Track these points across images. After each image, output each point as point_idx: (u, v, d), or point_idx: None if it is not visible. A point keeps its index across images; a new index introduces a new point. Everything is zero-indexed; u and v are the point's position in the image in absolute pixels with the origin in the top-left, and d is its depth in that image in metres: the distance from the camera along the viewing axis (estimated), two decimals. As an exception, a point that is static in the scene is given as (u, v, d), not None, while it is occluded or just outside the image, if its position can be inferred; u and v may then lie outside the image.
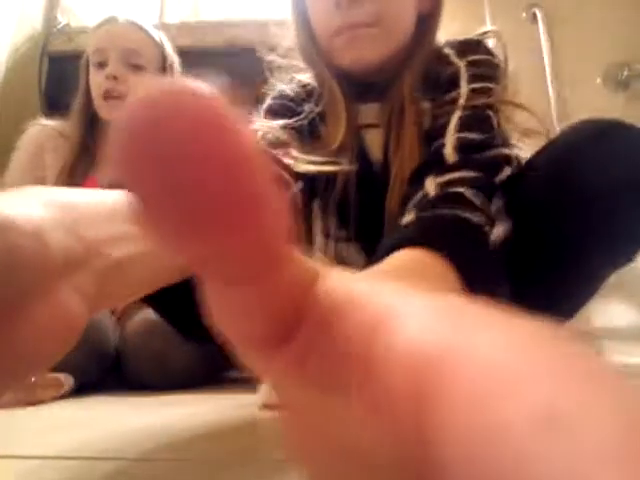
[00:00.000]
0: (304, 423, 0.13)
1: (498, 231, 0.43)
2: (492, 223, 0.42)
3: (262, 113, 0.62)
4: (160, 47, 0.98)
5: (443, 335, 0.09)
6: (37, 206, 0.25)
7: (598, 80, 1.65)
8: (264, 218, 0.10)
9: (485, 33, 0.60)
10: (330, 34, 0.56)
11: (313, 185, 0.55)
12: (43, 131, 0.96)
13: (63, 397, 0.59)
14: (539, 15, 1.67)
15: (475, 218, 0.40)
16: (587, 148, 0.45)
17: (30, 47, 1.28)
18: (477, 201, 0.42)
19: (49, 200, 0.26)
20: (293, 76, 0.64)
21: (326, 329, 0.11)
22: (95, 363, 0.67)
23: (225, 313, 0.12)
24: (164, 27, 1.31)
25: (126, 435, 0.40)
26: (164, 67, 0.98)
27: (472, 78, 0.52)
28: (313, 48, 0.59)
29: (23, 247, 0.21)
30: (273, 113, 0.60)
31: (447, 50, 0.57)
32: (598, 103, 1.58)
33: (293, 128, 0.56)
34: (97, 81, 0.92)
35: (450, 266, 0.35)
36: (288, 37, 0.63)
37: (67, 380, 0.60)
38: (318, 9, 0.57)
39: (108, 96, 0.90)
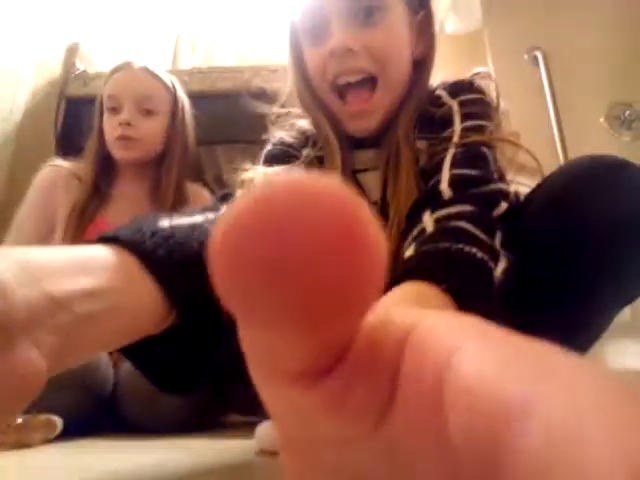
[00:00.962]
0: (327, 462, 0.12)
1: (501, 266, 0.43)
2: (496, 257, 0.42)
3: (261, 159, 0.63)
4: (172, 91, 1.02)
5: (519, 378, 0.09)
6: (8, 264, 0.25)
7: (601, 120, 1.67)
8: (370, 302, 0.10)
9: (477, 73, 0.61)
10: (328, 85, 0.57)
11: None
12: (56, 171, 0.98)
13: (54, 439, 0.58)
14: (540, 57, 1.72)
15: (479, 253, 0.40)
16: (587, 188, 0.45)
17: (48, 91, 1.33)
18: (480, 234, 0.42)
19: (21, 258, 0.27)
20: (293, 122, 0.65)
21: (371, 363, 0.11)
22: (90, 405, 0.66)
23: (262, 349, 0.11)
24: (177, 73, 1.36)
25: (116, 478, 0.39)
26: (175, 110, 1.01)
27: (465, 117, 0.53)
28: (310, 96, 0.60)
29: None
30: (272, 159, 0.62)
31: (440, 91, 0.58)
32: (602, 142, 1.59)
33: None
34: (111, 125, 0.95)
35: (450, 300, 0.35)
36: (288, 83, 0.65)
37: (59, 422, 0.59)
38: (314, 57, 0.58)
39: (121, 138, 0.94)
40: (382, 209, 0.55)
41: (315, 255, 0.09)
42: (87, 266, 0.30)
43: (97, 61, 1.47)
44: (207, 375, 0.42)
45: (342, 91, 0.56)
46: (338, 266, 0.09)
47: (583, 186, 0.46)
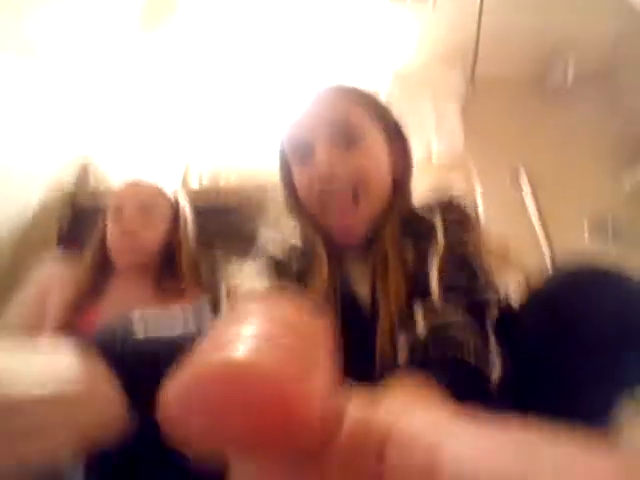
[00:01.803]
0: None
1: (496, 372, 0.44)
2: (489, 364, 0.44)
3: (253, 268, 0.64)
4: (170, 198, 1.08)
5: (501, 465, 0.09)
6: None
7: (586, 234, 1.73)
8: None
9: (453, 194, 0.65)
10: (316, 203, 0.61)
11: None
12: (54, 266, 1.02)
13: None
14: (523, 176, 1.82)
15: (472, 360, 0.42)
16: (578, 299, 0.47)
17: (56, 204, 1.39)
18: (471, 345, 0.43)
19: None
20: (284, 239, 0.67)
21: (355, 458, 0.11)
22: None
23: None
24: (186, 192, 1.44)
25: None
26: (176, 214, 1.07)
27: (447, 231, 0.57)
28: (299, 210, 0.64)
29: None
30: (261, 272, 0.63)
31: (419, 211, 0.62)
32: (590, 254, 1.62)
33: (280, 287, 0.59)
34: (114, 233, 1.00)
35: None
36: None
37: None
38: (301, 176, 0.62)
39: (122, 244, 0.98)
40: (371, 312, 0.56)
41: (248, 423, 0.11)
42: (50, 372, 0.31)
43: (110, 177, 1.55)
44: None
45: (328, 202, 0.60)
46: (269, 425, 0.11)
47: (575, 296, 0.48)
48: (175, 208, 1.08)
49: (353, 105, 0.62)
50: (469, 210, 0.62)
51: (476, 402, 0.35)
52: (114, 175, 1.57)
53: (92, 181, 1.48)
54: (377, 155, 0.62)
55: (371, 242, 0.60)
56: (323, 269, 0.59)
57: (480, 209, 1.83)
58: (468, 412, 0.23)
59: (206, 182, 1.73)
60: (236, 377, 0.11)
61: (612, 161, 1.84)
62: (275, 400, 0.11)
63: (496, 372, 0.44)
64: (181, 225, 1.07)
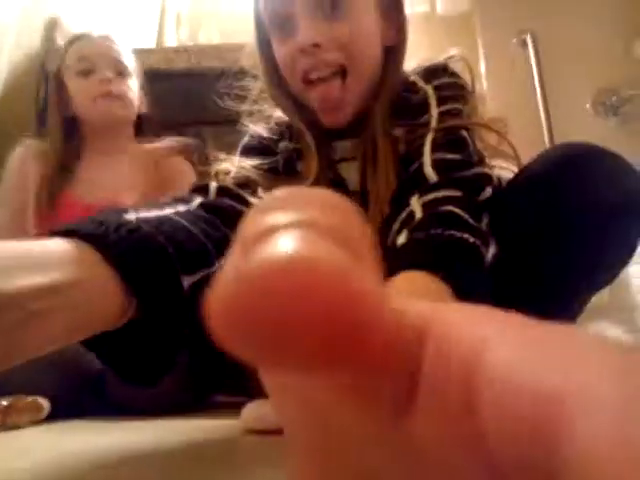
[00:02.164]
0: (346, 463, 0.11)
1: (491, 250, 0.44)
2: (487, 242, 0.43)
3: (238, 150, 0.62)
4: (134, 60, 1.01)
5: (557, 365, 0.08)
6: None
7: (587, 105, 1.68)
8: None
9: (451, 57, 0.61)
10: (299, 80, 0.56)
11: None
12: (26, 150, 0.97)
13: (41, 421, 0.58)
14: (529, 41, 1.72)
15: (471, 238, 0.41)
16: (564, 176, 0.47)
17: (29, 66, 1.29)
18: (469, 219, 0.43)
19: None
20: (270, 114, 0.64)
21: (390, 355, 0.10)
22: (77, 386, 0.65)
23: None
24: (161, 50, 1.33)
25: (98, 460, 0.39)
26: (141, 79, 1.01)
27: (440, 101, 0.54)
28: (281, 91, 0.60)
29: None
30: (248, 151, 0.61)
31: (414, 77, 0.58)
32: (588, 128, 1.61)
33: (267, 169, 0.57)
34: (88, 86, 0.92)
35: (448, 288, 0.36)
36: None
37: (46, 404, 0.58)
38: (282, 52, 0.57)
39: (105, 95, 0.91)
40: (362, 197, 0.55)
41: (316, 324, 0.09)
42: (43, 261, 0.30)
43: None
44: (173, 367, 0.41)
45: (314, 85, 0.55)
46: (340, 329, 0.09)
47: (560, 174, 0.47)
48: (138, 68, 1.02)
49: None
50: (464, 77, 0.59)
51: (475, 286, 0.38)
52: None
53: (61, 40, 1.34)
54: (365, 20, 0.56)
55: (360, 124, 0.57)
56: (311, 151, 0.57)
57: (482, 70, 1.75)
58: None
59: (185, 38, 1.59)
60: (299, 276, 0.08)
61: (624, 32, 1.71)
62: (346, 301, 0.09)
63: (491, 250, 0.44)
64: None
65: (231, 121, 1.32)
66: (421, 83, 0.57)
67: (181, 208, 0.44)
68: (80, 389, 0.66)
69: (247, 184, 0.54)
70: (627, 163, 0.48)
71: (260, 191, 0.54)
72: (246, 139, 0.64)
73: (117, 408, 0.68)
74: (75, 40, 0.97)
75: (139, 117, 1.01)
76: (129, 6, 1.68)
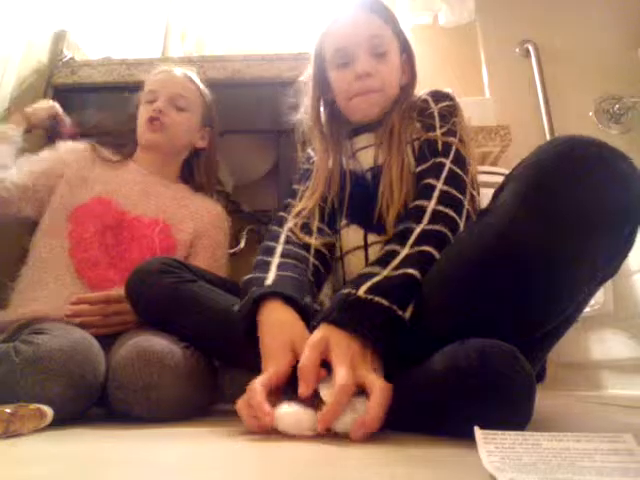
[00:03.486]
0: None
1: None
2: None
3: (297, 180, 0.86)
4: (205, 99, 1.10)
5: None
6: None
7: (590, 113, 1.69)
8: None
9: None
10: (349, 97, 0.81)
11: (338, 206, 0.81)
12: (74, 145, 1.06)
13: (44, 428, 0.57)
14: (532, 50, 1.73)
15: (399, 311, 0.55)
16: (564, 174, 0.48)
17: (35, 79, 1.31)
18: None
19: None
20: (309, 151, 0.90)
21: None
22: (81, 394, 0.64)
23: None
24: (166, 61, 1.35)
25: (101, 468, 0.39)
26: (207, 112, 1.11)
27: (442, 117, 0.77)
28: (322, 107, 0.85)
29: None
30: (301, 179, 0.85)
31: (426, 96, 0.81)
32: (591, 135, 1.60)
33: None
34: (144, 111, 1.04)
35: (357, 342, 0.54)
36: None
37: (49, 412, 0.58)
38: (340, 79, 0.81)
39: (151, 120, 1.02)
40: (373, 175, 0.78)
41: None
42: None
43: (85, 49, 1.45)
44: None
45: (361, 95, 0.80)
46: None
47: (560, 171, 0.49)
48: (206, 104, 1.11)
49: (382, 21, 0.81)
50: (456, 99, 0.80)
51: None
52: (91, 45, 1.46)
53: (68, 53, 1.36)
54: (395, 64, 0.82)
55: (380, 123, 0.80)
56: (325, 155, 0.83)
57: (485, 80, 1.76)
58: None
59: (190, 51, 1.61)
60: None
61: (626, 40, 1.72)
62: None
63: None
64: (212, 121, 1.12)
65: (233, 131, 1.34)
66: (432, 103, 0.80)
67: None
68: (82, 397, 0.65)
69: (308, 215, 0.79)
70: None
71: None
72: (303, 167, 0.88)
73: (119, 415, 0.68)
74: (156, 73, 1.09)
75: (196, 151, 1.11)
76: (134, 19, 1.71)
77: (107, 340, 0.76)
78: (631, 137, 1.67)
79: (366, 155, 0.80)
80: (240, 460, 0.43)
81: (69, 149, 1.04)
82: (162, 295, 0.74)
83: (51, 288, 0.88)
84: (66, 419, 0.62)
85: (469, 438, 0.39)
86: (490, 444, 0.36)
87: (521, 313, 0.51)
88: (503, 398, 0.45)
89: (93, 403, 0.68)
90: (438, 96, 0.80)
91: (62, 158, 1.01)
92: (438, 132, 0.74)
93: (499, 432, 0.38)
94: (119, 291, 0.81)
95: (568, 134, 0.51)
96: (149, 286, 0.75)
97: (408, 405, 0.51)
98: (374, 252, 0.73)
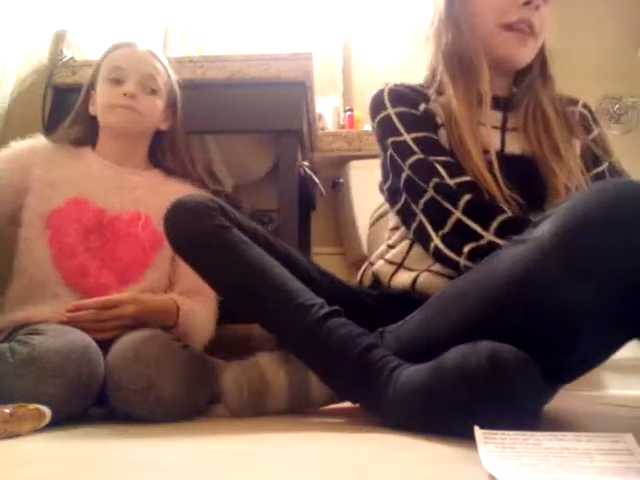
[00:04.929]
0: None
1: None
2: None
3: (387, 98, 0.76)
4: (171, 78, 1.03)
5: None
6: None
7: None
8: None
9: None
10: (501, 24, 0.72)
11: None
12: (36, 143, 0.97)
13: (43, 428, 0.57)
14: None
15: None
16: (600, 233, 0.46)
17: (35, 79, 1.31)
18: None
19: None
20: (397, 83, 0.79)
21: None
22: (80, 394, 0.64)
23: None
24: (168, 60, 1.34)
25: (100, 468, 0.39)
26: (173, 93, 1.03)
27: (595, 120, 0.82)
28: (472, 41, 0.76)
29: None
30: (398, 98, 0.75)
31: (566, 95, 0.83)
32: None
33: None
34: (112, 94, 0.94)
35: None
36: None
37: (48, 412, 0.58)
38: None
39: (125, 107, 0.93)
40: (523, 161, 0.76)
41: None
42: None
43: (85, 49, 1.45)
44: None
45: (511, 30, 0.73)
46: None
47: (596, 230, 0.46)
48: (172, 88, 1.03)
49: None
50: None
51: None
52: (91, 45, 1.46)
53: (68, 53, 1.36)
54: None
55: (518, 99, 0.80)
56: (484, 84, 0.75)
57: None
58: None
59: (190, 51, 1.61)
60: None
61: (627, 41, 1.71)
62: None
63: None
64: (177, 102, 1.04)
65: (233, 131, 1.33)
66: (580, 107, 0.86)
67: None
68: (81, 397, 0.65)
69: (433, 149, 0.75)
70: None
71: None
72: (391, 86, 0.78)
73: (117, 415, 0.68)
74: (117, 47, 0.99)
75: (159, 134, 1.02)
76: (134, 20, 1.71)
77: (105, 341, 0.76)
78: (631, 137, 1.67)
79: (513, 138, 0.79)
80: (240, 460, 0.43)
81: (26, 153, 0.94)
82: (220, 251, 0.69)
83: (46, 304, 0.82)
84: (65, 419, 0.62)
85: (469, 438, 0.38)
86: (490, 444, 0.36)
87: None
88: (509, 401, 0.44)
89: (93, 403, 0.68)
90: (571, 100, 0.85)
91: (23, 167, 0.91)
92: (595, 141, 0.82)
93: (499, 432, 0.38)
94: (116, 295, 0.80)
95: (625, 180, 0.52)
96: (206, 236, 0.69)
97: (418, 399, 0.51)
98: None
